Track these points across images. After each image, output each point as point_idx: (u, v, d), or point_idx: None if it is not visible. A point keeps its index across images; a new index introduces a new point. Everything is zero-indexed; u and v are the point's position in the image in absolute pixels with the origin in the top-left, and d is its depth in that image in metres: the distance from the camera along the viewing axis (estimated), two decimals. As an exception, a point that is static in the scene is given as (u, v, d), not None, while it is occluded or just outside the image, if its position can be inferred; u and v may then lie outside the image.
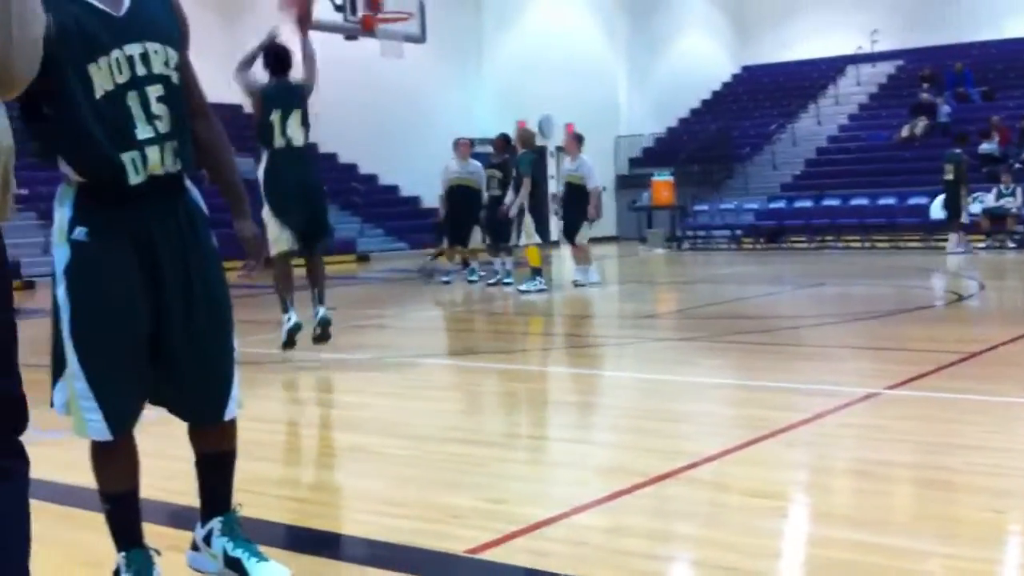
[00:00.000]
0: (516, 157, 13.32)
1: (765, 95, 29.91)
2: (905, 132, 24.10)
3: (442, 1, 20.37)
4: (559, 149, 25.89)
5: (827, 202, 21.62)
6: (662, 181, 23.45)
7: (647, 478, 4.23)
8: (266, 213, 7.47)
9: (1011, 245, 18.88)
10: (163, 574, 3.06)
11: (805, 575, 3.25)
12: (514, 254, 14.14)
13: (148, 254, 2.88)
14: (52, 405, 3.01)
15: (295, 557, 3.40)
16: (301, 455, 5.37)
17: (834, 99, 28.44)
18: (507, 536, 3.55)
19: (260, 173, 7.59)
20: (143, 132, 2.82)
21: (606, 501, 3.98)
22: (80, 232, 2.87)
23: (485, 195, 14.29)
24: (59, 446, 5.09)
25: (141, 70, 2.82)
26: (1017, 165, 20.90)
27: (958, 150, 18.60)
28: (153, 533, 3.23)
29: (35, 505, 3.95)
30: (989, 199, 19.31)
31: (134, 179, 2.83)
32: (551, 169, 25.86)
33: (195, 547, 3.26)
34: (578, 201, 13.52)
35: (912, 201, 20.34)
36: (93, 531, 3.27)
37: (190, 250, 2.96)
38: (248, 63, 7.61)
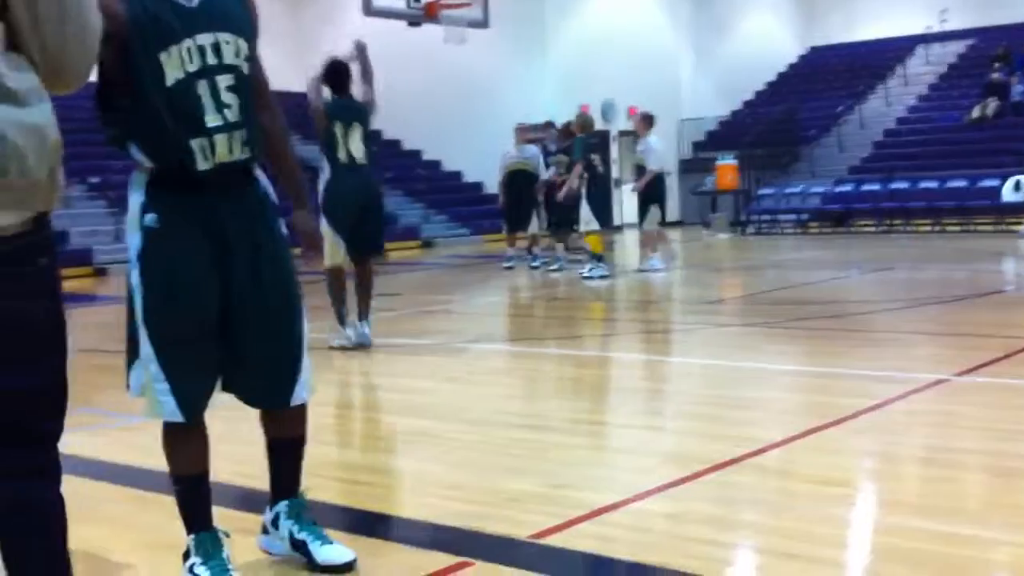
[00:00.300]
0: (574, 141, 13.30)
1: (832, 76, 29.47)
2: (976, 113, 23.62)
3: (505, -14, 20.35)
4: (622, 133, 25.83)
5: (895, 185, 21.26)
6: (726, 165, 23.23)
7: (711, 464, 4.22)
8: (324, 225, 7.45)
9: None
10: (232, 557, 3.12)
11: (871, 564, 3.22)
12: (568, 240, 14.17)
13: (218, 240, 2.94)
14: (128, 388, 3.07)
15: (358, 540, 3.44)
16: (365, 439, 5.42)
17: (903, 80, 27.94)
18: (570, 522, 3.56)
19: (321, 186, 7.66)
20: (212, 120, 2.87)
21: (670, 487, 3.97)
22: (151, 218, 2.95)
23: (544, 179, 14.34)
24: (132, 430, 5.21)
25: (212, 60, 2.88)
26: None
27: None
28: (223, 516, 3.30)
29: (109, 488, 4.05)
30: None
31: (203, 165, 2.88)
32: (614, 153, 25.78)
33: (265, 530, 3.32)
34: (645, 185, 13.49)
35: (983, 183, 19.92)
36: (166, 514, 3.33)
37: (259, 236, 3.01)
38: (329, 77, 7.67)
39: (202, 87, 2.87)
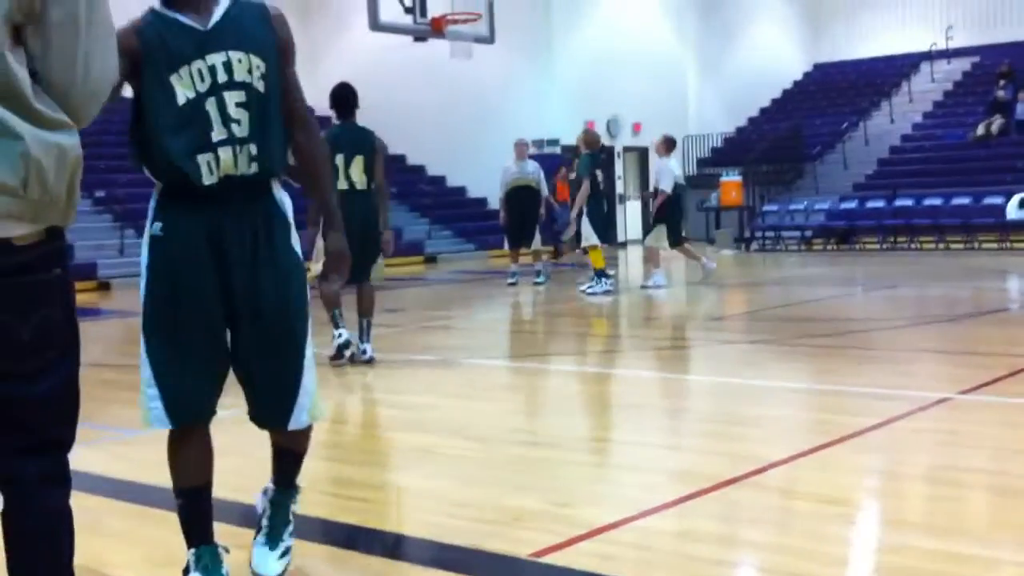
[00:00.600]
0: (580, 157, 13.32)
1: (837, 93, 29.48)
2: (981, 130, 23.62)
3: (511, 1, 20.39)
4: (627, 149, 25.87)
5: (900, 202, 21.24)
6: (731, 181, 23.24)
7: (715, 482, 4.21)
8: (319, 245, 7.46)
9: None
10: (232, 572, 3.11)
11: (875, 583, 3.21)
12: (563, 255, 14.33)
13: (217, 251, 2.97)
14: None
15: (360, 557, 3.43)
16: (367, 455, 5.41)
17: (908, 97, 27.95)
18: (572, 540, 3.55)
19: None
20: (217, 135, 2.93)
21: (673, 505, 3.96)
22: (156, 227, 3.00)
23: (544, 194, 14.43)
24: (133, 444, 5.21)
25: (222, 77, 2.94)
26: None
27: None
28: (223, 532, 3.29)
29: (110, 503, 4.04)
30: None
31: (207, 179, 2.93)
32: (619, 169, 25.80)
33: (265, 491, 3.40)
34: (663, 204, 13.62)
35: (988, 201, 19.90)
36: (167, 529, 3.33)
37: (262, 254, 3.01)
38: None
39: (211, 104, 2.93)
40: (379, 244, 7.89)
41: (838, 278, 15.08)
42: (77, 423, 2.24)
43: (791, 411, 6.03)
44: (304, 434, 3.25)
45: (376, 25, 15.30)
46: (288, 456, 3.29)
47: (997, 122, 23.46)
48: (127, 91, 2.99)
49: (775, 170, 24.74)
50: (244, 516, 3.82)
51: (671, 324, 10.96)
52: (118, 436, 5.44)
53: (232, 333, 3.03)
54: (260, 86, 2.99)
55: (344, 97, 7.68)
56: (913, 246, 20.14)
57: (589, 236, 12.90)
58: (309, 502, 3.36)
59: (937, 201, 20.60)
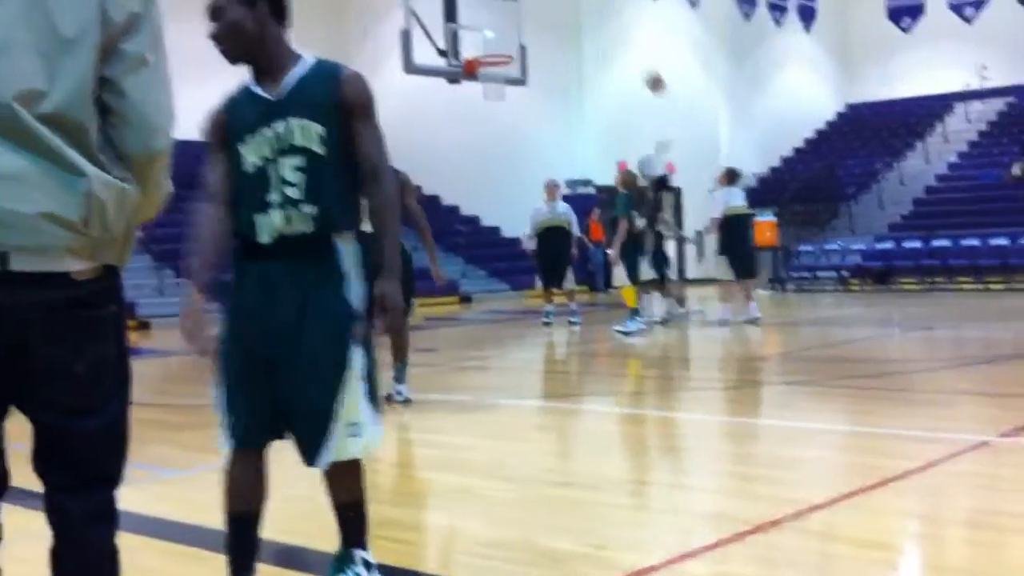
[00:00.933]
0: (617, 197, 13.36)
1: (871, 133, 29.42)
2: (1016, 170, 23.46)
3: (543, 43, 20.54)
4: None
5: (937, 242, 21.12)
6: (765, 221, 23.18)
7: (753, 526, 4.17)
8: None
9: None
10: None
11: (917, 629, 3.16)
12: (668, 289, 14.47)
13: (269, 302, 3.17)
14: None
15: (399, 599, 3.42)
16: (402, 495, 5.41)
17: (942, 137, 27.84)
18: (610, 582, 3.53)
19: None
20: (274, 198, 3.14)
21: (711, 549, 3.93)
22: (227, 275, 3.27)
23: (575, 234, 14.52)
24: (172, 484, 5.24)
25: (283, 143, 3.16)
26: None
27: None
28: (261, 572, 3.29)
29: (147, 542, 4.05)
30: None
31: (263, 238, 3.16)
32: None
33: None
34: (736, 234, 13.78)
35: (1025, 241, 19.78)
36: (202, 569, 3.34)
37: (310, 305, 3.15)
38: None
39: (271, 168, 3.16)
40: (413, 284, 7.93)
41: (875, 319, 14.97)
42: (126, 461, 2.26)
43: (829, 453, 5.98)
44: (341, 482, 3.29)
45: (410, 68, 15.44)
46: (338, 508, 3.33)
47: (1033, 162, 23.32)
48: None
49: (809, 210, 24.66)
50: (282, 556, 3.83)
51: (707, 365, 10.91)
52: (156, 475, 5.47)
53: (275, 374, 3.16)
54: (319, 149, 3.15)
55: None
56: (951, 287, 19.98)
57: (622, 276, 12.92)
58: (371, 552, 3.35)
59: (975, 241, 20.46)
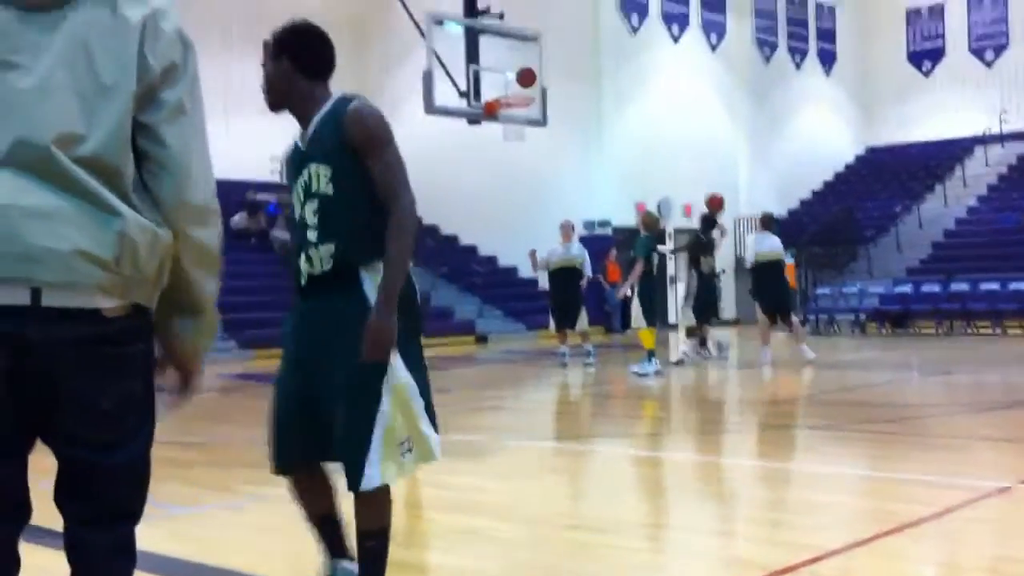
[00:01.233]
0: (638, 239, 13.39)
1: (890, 176, 29.41)
2: (1036, 214, 23.39)
3: (563, 84, 20.62)
4: (678, 231, 25.84)
5: (956, 286, 21.01)
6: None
7: (770, 571, 4.12)
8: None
9: None
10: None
11: None
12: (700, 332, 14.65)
13: (301, 336, 3.41)
14: None
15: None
16: (415, 536, 5.38)
17: (962, 181, 27.80)
18: (623, 627, 3.49)
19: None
20: (302, 241, 3.38)
21: (725, 594, 3.89)
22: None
23: (588, 277, 14.62)
24: (186, 521, 5.22)
25: (308, 190, 3.38)
26: None
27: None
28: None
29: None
30: None
31: (301, 280, 3.41)
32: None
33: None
34: (774, 277, 14.02)
35: (1046, 286, 19.65)
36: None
37: (336, 346, 3.28)
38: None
39: (303, 214, 3.40)
40: (419, 324, 7.91)
41: (893, 362, 14.89)
42: (147, 497, 2.28)
43: (846, 498, 5.92)
44: (364, 510, 3.36)
45: (431, 109, 15.53)
46: (357, 535, 3.42)
47: (1053, 206, 23.23)
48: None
49: (827, 253, 24.60)
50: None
51: (723, 407, 10.86)
52: (167, 512, 5.45)
53: (313, 407, 3.36)
54: (329, 190, 3.31)
55: None
56: (970, 331, 19.85)
57: (639, 318, 12.91)
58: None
59: (994, 286, 20.34)
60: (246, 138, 23.89)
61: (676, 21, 26.39)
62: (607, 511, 5.72)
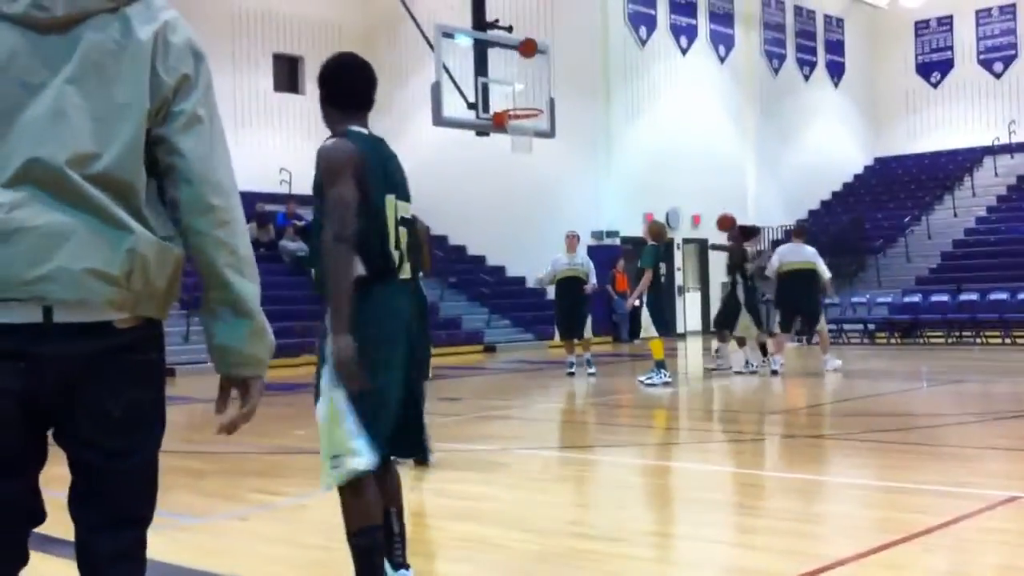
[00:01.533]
0: (644, 248, 13.36)
1: (899, 186, 29.38)
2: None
3: (571, 96, 20.66)
4: (686, 241, 25.85)
5: (965, 296, 20.97)
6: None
7: (776, 580, 4.12)
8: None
9: None
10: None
11: None
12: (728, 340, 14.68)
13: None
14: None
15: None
16: (423, 545, 5.37)
17: (971, 191, 27.77)
18: (631, 636, 3.48)
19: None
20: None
21: (733, 603, 3.88)
22: None
23: (592, 285, 14.57)
24: (193, 531, 5.23)
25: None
26: None
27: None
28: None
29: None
30: None
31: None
32: (678, 261, 25.74)
33: None
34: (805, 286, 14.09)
35: (1056, 296, 19.60)
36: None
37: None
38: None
39: None
40: (426, 338, 7.93)
41: (902, 372, 14.85)
42: (155, 503, 2.30)
43: (856, 507, 5.91)
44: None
45: (439, 120, 15.55)
46: None
47: (1063, 216, 23.17)
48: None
49: (837, 263, 24.55)
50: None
51: (732, 417, 10.84)
52: (176, 522, 5.46)
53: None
54: (319, 218, 3.62)
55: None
56: (978, 341, 19.81)
57: (649, 328, 12.88)
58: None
59: (1003, 295, 20.30)
60: (255, 149, 24.00)
61: (684, 33, 26.42)
62: (615, 520, 5.72)
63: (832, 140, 30.82)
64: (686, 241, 25.94)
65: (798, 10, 29.92)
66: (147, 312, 2.18)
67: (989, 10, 30.25)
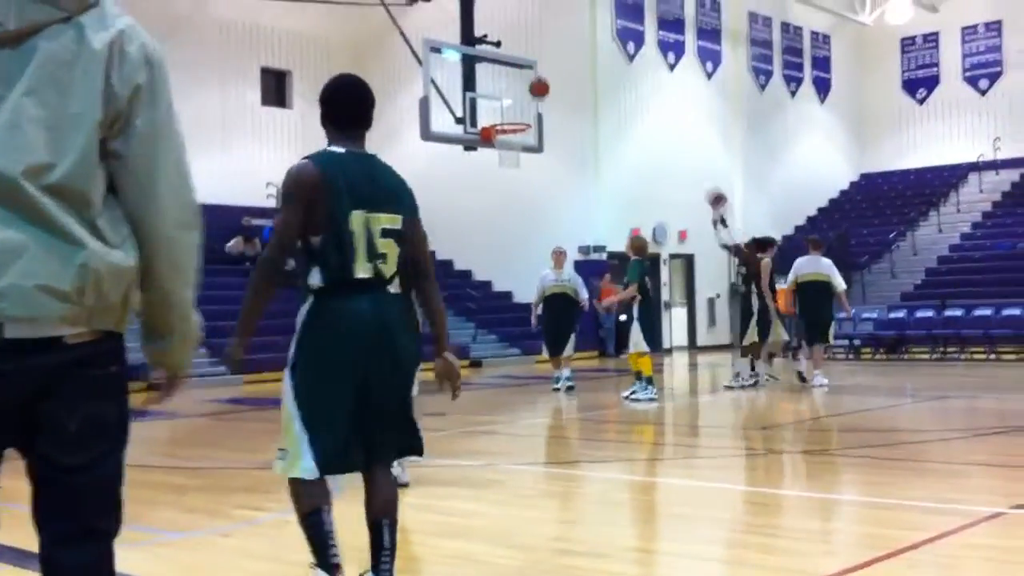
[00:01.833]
0: (629, 263, 13.37)
1: (885, 202, 29.50)
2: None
3: (559, 111, 20.70)
4: (673, 256, 25.90)
5: (950, 312, 21.06)
6: (778, 289, 23.18)
7: (761, 596, 4.12)
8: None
9: None
10: None
11: None
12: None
13: None
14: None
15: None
16: (408, 562, 5.35)
17: (956, 207, 27.91)
18: (615, 652, 3.48)
19: None
20: None
21: (718, 619, 3.88)
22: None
23: (584, 302, 14.62)
24: (171, 546, 5.20)
25: None
26: None
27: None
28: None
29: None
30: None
31: None
32: (664, 276, 25.80)
33: None
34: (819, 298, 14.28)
35: (1040, 312, 19.69)
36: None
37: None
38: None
39: None
40: (414, 351, 7.88)
41: (888, 388, 14.90)
42: (121, 515, 2.29)
43: (841, 524, 5.92)
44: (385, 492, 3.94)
45: (427, 135, 15.57)
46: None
47: (1047, 233, 23.29)
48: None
49: (822, 279, 24.62)
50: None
51: (718, 432, 10.84)
52: (161, 538, 5.43)
53: None
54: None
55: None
56: (963, 357, 19.89)
57: (639, 343, 12.85)
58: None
59: (988, 312, 20.39)
60: (242, 163, 23.98)
61: (672, 49, 26.52)
62: (601, 536, 5.71)
63: (818, 156, 30.94)
64: (672, 256, 26.00)
65: (785, 27, 30.06)
66: (103, 326, 2.17)
67: (975, 27, 30.45)
